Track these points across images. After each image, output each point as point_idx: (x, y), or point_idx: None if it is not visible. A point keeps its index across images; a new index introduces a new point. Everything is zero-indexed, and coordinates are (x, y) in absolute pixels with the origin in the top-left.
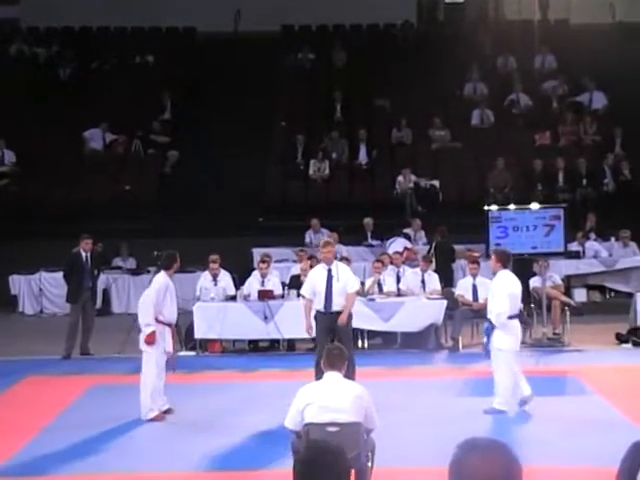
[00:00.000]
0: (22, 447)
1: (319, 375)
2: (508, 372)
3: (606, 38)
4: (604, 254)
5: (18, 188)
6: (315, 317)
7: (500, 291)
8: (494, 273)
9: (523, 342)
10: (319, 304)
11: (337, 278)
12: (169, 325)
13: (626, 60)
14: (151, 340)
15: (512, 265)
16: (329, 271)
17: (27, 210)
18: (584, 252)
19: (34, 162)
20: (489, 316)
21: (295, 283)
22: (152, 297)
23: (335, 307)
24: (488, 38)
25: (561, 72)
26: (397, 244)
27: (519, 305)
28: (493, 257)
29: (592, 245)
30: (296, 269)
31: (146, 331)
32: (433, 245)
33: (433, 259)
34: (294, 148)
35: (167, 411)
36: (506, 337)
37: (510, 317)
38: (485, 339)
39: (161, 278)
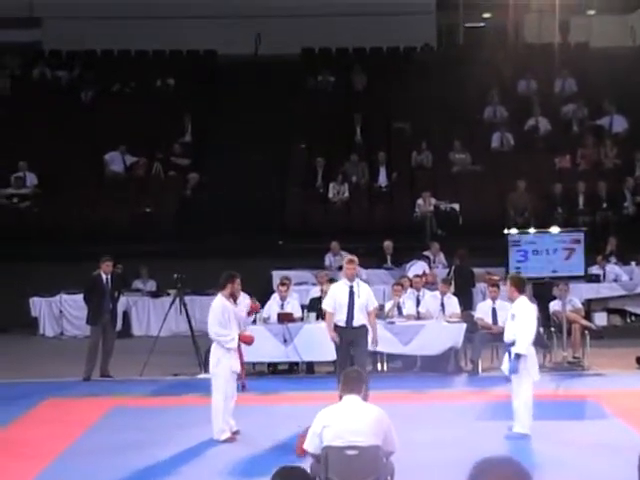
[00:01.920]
0: (42, 469)
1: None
2: (529, 398)
3: (626, 62)
4: (624, 278)
5: (39, 210)
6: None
7: (524, 321)
8: (511, 299)
9: (543, 366)
10: (340, 319)
11: (358, 294)
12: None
13: None
14: (248, 340)
15: (532, 289)
16: (351, 287)
17: (48, 232)
18: (604, 275)
19: (55, 184)
20: (509, 341)
21: (315, 305)
22: (211, 320)
23: (356, 322)
24: (508, 61)
25: (581, 95)
26: (417, 267)
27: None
28: (508, 283)
29: (612, 269)
30: (315, 291)
31: (232, 344)
32: (452, 268)
33: (452, 282)
34: (314, 171)
35: (236, 432)
36: (528, 365)
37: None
38: (509, 360)
39: (217, 300)
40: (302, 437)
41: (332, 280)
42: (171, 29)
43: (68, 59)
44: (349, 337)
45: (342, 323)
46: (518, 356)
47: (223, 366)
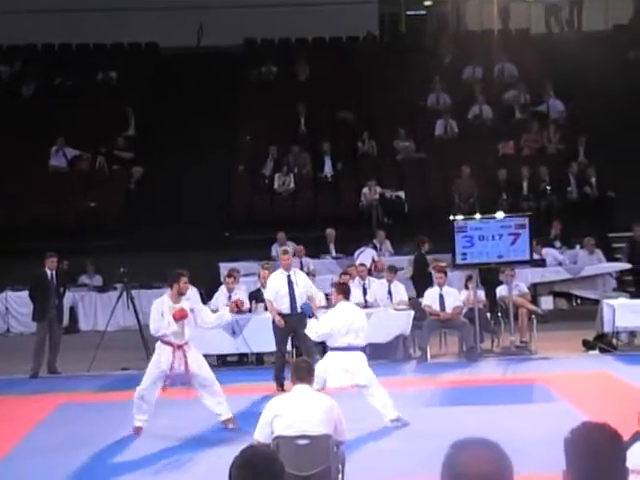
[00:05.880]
0: None
1: (279, 374)
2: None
3: (567, 47)
4: (560, 258)
5: None
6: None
7: (329, 317)
8: (335, 304)
9: (491, 351)
10: (283, 307)
11: (296, 283)
12: (169, 344)
13: (588, 68)
14: (178, 315)
15: (479, 274)
16: (288, 277)
17: None
18: (544, 260)
19: None
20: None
21: (256, 296)
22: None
23: (299, 309)
24: (450, 49)
25: (522, 81)
26: (365, 255)
27: (346, 340)
28: (334, 290)
29: (548, 252)
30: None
31: (165, 330)
32: (414, 256)
33: (411, 269)
34: (259, 162)
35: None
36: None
37: (333, 349)
38: None
39: (159, 299)
40: None
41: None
42: (112, 21)
43: (8, 53)
44: (292, 324)
45: (286, 311)
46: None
47: (154, 360)
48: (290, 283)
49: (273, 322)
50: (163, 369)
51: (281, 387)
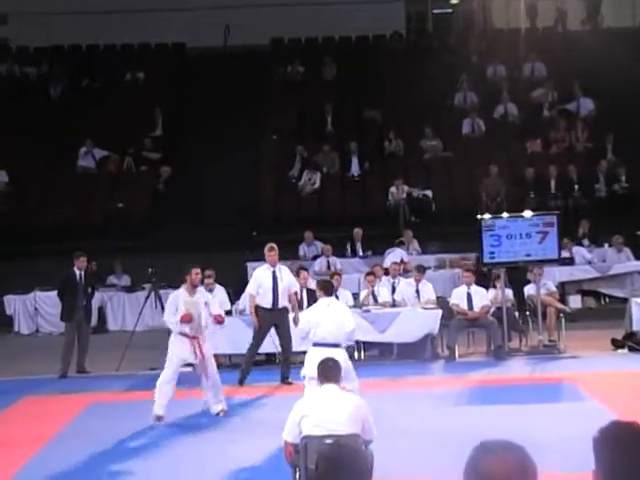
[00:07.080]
0: (20, 467)
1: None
2: None
3: (593, 44)
4: (589, 256)
5: (11, 208)
6: (258, 313)
7: (305, 312)
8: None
9: (519, 350)
10: (266, 302)
11: (281, 278)
12: (185, 336)
13: (615, 66)
14: (185, 319)
15: (507, 273)
16: (273, 272)
17: (21, 230)
18: (573, 258)
19: (26, 181)
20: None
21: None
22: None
23: (280, 304)
24: (477, 47)
25: (551, 79)
26: (395, 255)
27: (321, 335)
28: (316, 287)
29: (578, 251)
30: None
31: (176, 328)
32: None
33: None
34: (285, 161)
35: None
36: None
37: (315, 345)
38: None
39: (176, 291)
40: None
41: (302, 269)
42: (139, 22)
43: (36, 55)
44: (274, 319)
45: (268, 305)
46: None
47: (174, 350)
48: (275, 278)
49: (257, 314)
50: (184, 357)
51: (240, 383)
